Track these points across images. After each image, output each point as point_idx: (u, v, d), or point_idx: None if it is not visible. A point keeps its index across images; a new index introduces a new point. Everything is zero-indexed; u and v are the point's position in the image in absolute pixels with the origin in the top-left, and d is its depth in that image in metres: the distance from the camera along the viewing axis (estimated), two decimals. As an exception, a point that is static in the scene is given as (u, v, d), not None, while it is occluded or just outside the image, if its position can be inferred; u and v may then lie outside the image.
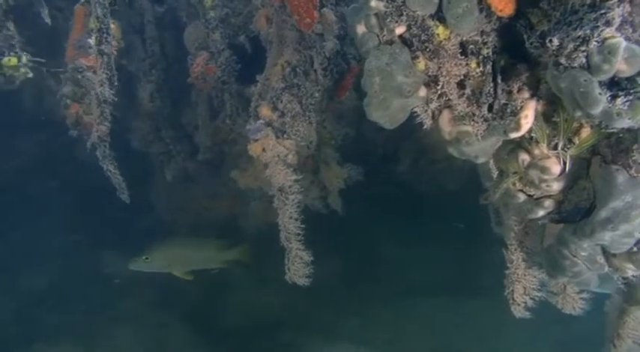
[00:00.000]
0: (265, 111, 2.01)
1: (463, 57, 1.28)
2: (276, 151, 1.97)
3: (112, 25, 2.15)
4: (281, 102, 2.03)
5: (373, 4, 1.34)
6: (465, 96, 1.31)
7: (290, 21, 2.02)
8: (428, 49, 1.32)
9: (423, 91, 1.40)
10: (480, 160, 1.42)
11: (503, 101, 1.28)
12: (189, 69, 2.69)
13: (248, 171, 2.72)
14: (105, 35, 2.03)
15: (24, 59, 2.37)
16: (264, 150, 2.00)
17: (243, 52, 2.54)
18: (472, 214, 3.34)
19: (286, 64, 2.04)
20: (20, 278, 3.40)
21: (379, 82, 1.39)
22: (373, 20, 1.37)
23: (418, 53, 1.34)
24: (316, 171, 2.64)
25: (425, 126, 1.47)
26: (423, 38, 1.31)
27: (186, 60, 2.74)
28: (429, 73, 1.35)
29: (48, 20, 2.35)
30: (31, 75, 2.45)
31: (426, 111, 1.44)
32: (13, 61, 2.32)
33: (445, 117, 1.39)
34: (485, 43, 1.27)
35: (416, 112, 1.46)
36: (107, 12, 2.01)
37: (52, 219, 3.68)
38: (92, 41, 2.46)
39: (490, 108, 1.30)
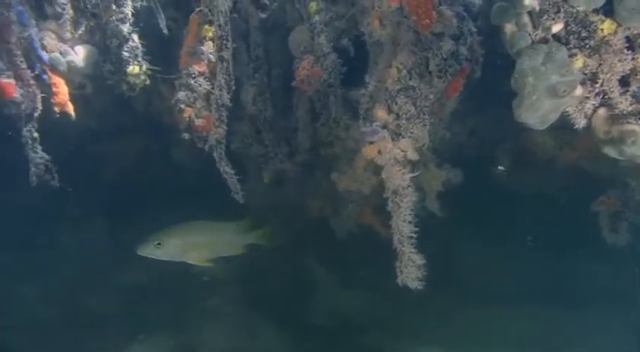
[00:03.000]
0: (381, 113, 2.02)
1: (630, 52, 1.22)
2: (393, 153, 1.97)
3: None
4: (396, 104, 2.03)
5: (527, 2, 1.32)
6: (630, 93, 1.25)
7: (406, 22, 2.01)
8: (588, 46, 1.28)
9: (579, 90, 1.36)
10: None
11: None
12: (290, 72, 2.75)
13: (347, 173, 2.74)
14: (225, 42, 2.10)
15: (143, 68, 2.50)
16: (379, 152, 2.00)
17: (346, 55, 2.56)
18: (569, 219, 3.23)
19: (401, 66, 2.03)
20: (124, 274, 3.59)
21: (532, 82, 1.36)
22: (525, 19, 1.35)
23: (576, 51, 1.29)
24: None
25: (577, 126, 1.42)
26: (583, 34, 1.27)
27: (287, 63, 2.81)
28: (587, 71, 1.30)
29: (165, 30, 2.45)
30: (148, 82, 2.57)
31: (580, 110, 1.39)
32: (136, 69, 2.45)
33: (601, 115, 1.34)
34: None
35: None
36: (228, 20, 2.08)
37: (148, 217, 3.87)
38: (205, 48, 2.57)
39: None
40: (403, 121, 2.01)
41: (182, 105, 2.51)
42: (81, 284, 3.54)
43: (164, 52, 2.71)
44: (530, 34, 1.30)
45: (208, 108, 2.56)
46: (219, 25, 2.07)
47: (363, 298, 3.78)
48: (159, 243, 2.63)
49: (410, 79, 2.02)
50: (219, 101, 2.14)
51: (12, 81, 2.24)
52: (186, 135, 2.54)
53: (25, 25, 2.20)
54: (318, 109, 2.72)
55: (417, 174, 2.00)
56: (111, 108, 3.10)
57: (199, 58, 2.55)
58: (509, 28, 1.33)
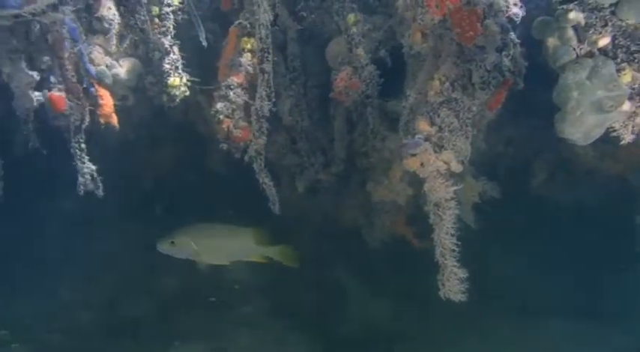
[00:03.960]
0: (423, 125, 2.02)
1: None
2: (436, 166, 1.97)
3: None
4: (438, 116, 2.02)
5: (572, 16, 1.31)
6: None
7: (449, 34, 2.01)
8: (637, 60, 1.26)
9: (626, 105, 1.34)
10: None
11: None
12: (326, 83, 2.78)
13: (383, 183, 2.75)
14: (266, 54, 2.14)
15: (183, 79, 2.56)
16: (422, 164, 2.00)
17: (383, 67, 2.57)
18: (609, 232, 3.16)
19: (444, 78, 2.03)
20: (159, 280, 3.66)
21: (577, 97, 1.35)
22: (569, 33, 1.34)
23: (624, 65, 1.28)
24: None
25: (622, 142, 1.40)
26: (632, 48, 1.26)
27: (323, 74, 2.84)
28: (636, 85, 1.29)
29: (205, 43, 2.51)
30: (188, 93, 2.63)
31: (627, 125, 1.37)
32: (176, 81, 2.51)
33: (650, 130, 1.32)
34: None
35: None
36: (269, 33, 2.12)
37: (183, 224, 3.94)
38: (243, 60, 2.62)
39: None
40: (446, 134, 2.01)
41: (221, 116, 2.56)
42: (118, 290, 3.62)
43: (203, 63, 2.77)
44: (574, 48, 1.29)
45: (246, 119, 2.61)
46: (261, 38, 2.11)
47: (395, 308, 3.77)
48: (172, 242, 2.67)
49: (452, 91, 2.01)
50: (259, 113, 2.18)
51: (63, 94, 2.33)
52: (224, 146, 2.59)
53: (75, 40, 2.28)
54: (354, 120, 2.74)
55: (460, 186, 1.99)
56: (148, 119, 3.18)
57: (238, 69, 2.60)
58: (551, 42, 1.32)
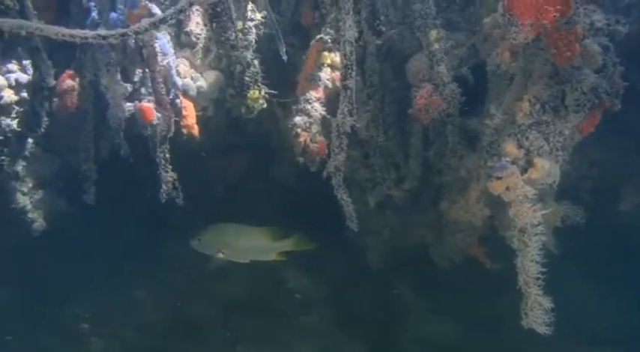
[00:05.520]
0: (510, 148, 1.95)
1: None
2: (523, 191, 1.89)
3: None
4: (527, 139, 1.95)
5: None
6: None
7: (541, 54, 1.94)
8: None
9: None
10: None
11: None
12: (404, 98, 2.75)
13: (458, 203, 2.68)
14: (350, 71, 2.13)
15: (262, 92, 2.61)
16: (507, 188, 1.93)
17: (465, 84, 2.51)
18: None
19: (534, 99, 1.95)
20: (223, 285, 3.74)
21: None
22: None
23: None
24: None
25: None
26: None
27: (400, 90, 2.81)
28: None
29: (285, 57, 2.55)
30: (265, 105, 2.68)
31: None
32: (255, 94, 2.56)
33: None
34: None
35: None
36: (353, 49, 2.12)
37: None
38: (323, 74, 2.64)
39: None
40: (535, 157, 1.93)
41: (298, 130, 2.59)
42: (185, 293, 3.73)
43: (280, 75, 2.81)
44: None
45: (323, 133, 2.63)
46: (345, 54, 2.11)
47: (458, 328, 3.67)
48: (199, 239, 2.84)
49: (543, 114, 1.93)
50: (340, 129, 2.17)
51: (151, 105, 2.43)
52: (300, 159, 2.61)
53: (165, 53, 2.38)
54: (431, 137, 2.69)
55: (548, 211, 1.90)
56: (223, 129, 3.26)
57: (317, 83, 2.63)
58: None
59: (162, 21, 1.85)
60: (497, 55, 2.08)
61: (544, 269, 1.96)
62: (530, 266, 1.92)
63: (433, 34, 2.48)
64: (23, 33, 1.61)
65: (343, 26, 2.13)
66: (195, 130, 2.65)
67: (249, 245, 2.91)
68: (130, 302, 3.56)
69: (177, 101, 2.54)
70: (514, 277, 3.13)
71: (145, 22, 1.69)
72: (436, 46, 2.47)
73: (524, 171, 1.94)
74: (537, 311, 1.91)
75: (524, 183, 1.89)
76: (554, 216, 2.54)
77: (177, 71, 2.51)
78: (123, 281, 3.56)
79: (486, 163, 2.10)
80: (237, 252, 2.87)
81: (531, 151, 1.94)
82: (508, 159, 1.93)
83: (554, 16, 1.72)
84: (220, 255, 2.85)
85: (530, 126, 1.95)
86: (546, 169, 1.93)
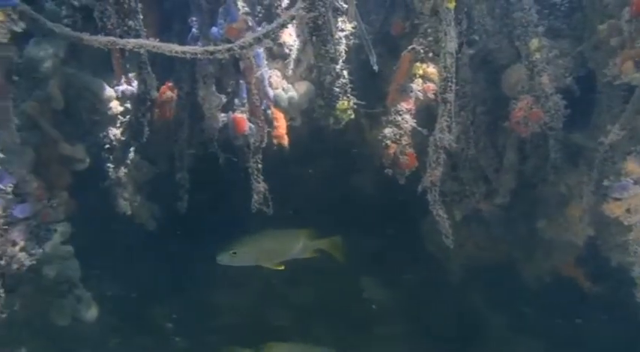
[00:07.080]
0: (632, 167, 1.81)
1: None
2: (647, 214, 1.75)
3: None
4: (651, 157, 1.81)
5: None
6: None
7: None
8: None
9: None
10: None
11: None
12: (496, 110, 2.64)
13: (557, 221, 2.54)
14: (449, 84, 2.07)
15: (351, 103, 2.58)
16: (628, 210, 1.79)
17: (569, 96, 2.38)
18: None
19: (659, 114, 1.80)
20: (297, 292, 3.77)
21: None
22: None
23: None
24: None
25: None
26: None
27: (492, 101, 2.70)
28: None
29: (376, 67, 2.51)
30: (353, 116, 2.65)
31: None
32: (344, 104, 2.54)
33: None
34: None
35: None
36: (454, 62, 2.05)
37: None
38: (414, 85, 2.59)
39: None
40: (659, 177, 1.78)
41: (388, 141, 2.54)
42: (261, 297, 3.78)
43: (367, 86, 2.78)
44: None
45: (413, 145, 2.57)
46: (445, 67, 2.05)
47: (538, 348, 3.51)
48: (234, 252, 2.84)
49: (669, 130, 1.78)
50: (438, 143, 2.11)
51: (245, 116, 2.47)
52: (389, 171, 2.56)
53: (259, 65, 2.41)
54: (527, 151, 2.57)
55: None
56: (306, 137, 3.27)
57: (408, 95, 2.57)
58: None
59: (266, 35, 1.87)
60: (614, 65, 1.93)
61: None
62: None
63: (534, 42, 2.37)
64: (142, 51, 1.66)
65: (444, 38, 2.07)
66: (286, 140, 2.66)
67: (288, 248, 2.95)
68: (210, 306, 3.65)
69: (269, 112, 2.56)
70: (612, 299, 2.95)
71: (249, 36, 1.71)
72: (537, 55, 2.35)
73: (647, 191, 1.79)
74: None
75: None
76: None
77: (269, 82, 2.53)
78: (203, 285, 3.65)
79: (599, 182, 1.96)
80: (276, 256, 2.91)
81: (655, 171, 1.79)
82: (630, 179, 1.79)
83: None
84: (261, 264, 2.89)
85: (655, 144, 1.80)
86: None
